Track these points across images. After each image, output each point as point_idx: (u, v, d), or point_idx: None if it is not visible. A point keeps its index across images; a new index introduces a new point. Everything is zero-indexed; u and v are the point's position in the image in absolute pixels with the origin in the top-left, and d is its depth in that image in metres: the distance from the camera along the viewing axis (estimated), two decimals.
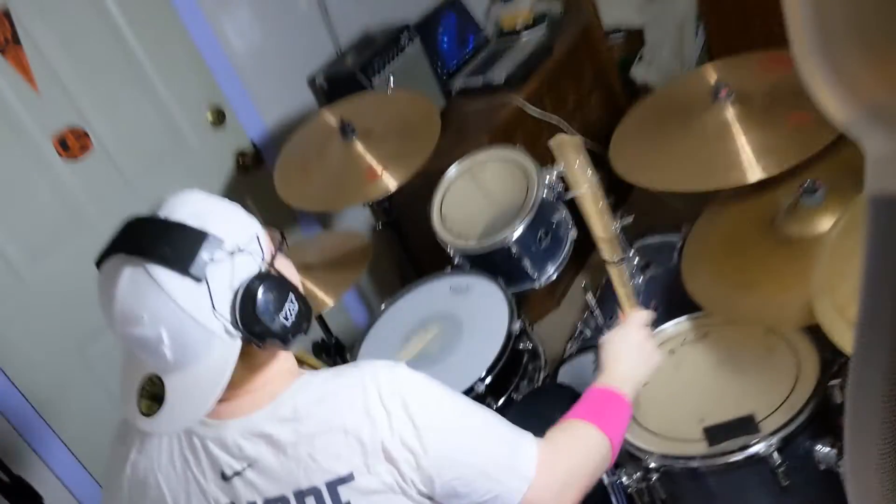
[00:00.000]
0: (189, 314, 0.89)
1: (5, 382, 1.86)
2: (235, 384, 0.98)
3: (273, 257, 0.98)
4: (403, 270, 2.67)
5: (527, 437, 1.07)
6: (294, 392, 1.00)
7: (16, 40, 1.90)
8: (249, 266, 0.93)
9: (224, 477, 0.99)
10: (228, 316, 0.91)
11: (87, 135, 2.04)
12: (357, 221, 2.70)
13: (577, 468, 1.09)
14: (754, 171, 1.48)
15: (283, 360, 1.04)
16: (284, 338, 0.94)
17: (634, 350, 1.27)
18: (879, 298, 0.46)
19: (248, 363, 0.97)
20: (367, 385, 0.99)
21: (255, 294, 0.91)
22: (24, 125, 1.92)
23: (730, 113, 1.58)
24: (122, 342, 0.95)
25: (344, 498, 0.96)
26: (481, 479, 1.01)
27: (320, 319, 2.12)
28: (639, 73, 3.32)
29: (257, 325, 0.91)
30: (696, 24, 3.27)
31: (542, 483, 1.03)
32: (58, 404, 1.97)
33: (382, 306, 2.01)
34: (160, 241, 0.91)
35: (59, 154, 1.99)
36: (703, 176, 1.57)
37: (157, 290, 0.89)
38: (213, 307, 0.90)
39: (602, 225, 1.36)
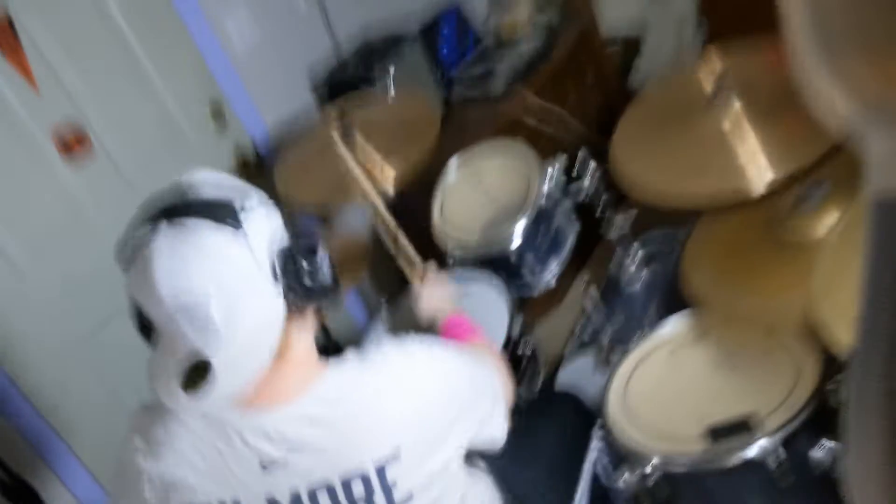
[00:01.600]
0: (232, 263, 0.89)
1: (6, 381, 1.86)
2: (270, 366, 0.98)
3: None
4: (404, 270, 2.66)
5: (487, 354, 1.33)
6: (331, 376, 1.01)
7: (16, 40, 1.90)
8: (278, 219, 0.96)
9: (263, 466, 0.97)
10: (268, 265, 0.91)
11: (87, 135, 2.04)
12: (357, 222, 2.69)
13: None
14: (761, 183, 1.47)
15: (312, 347, 1.05)
16: (324, 288, 0.96)
17: (439, 294, 1.56)
18: (880, 299, 0.46)
19: (283, 342, 0.96)
20: (399, 361, 1.03)
21: (291, 243, 0.94)
22: (24, 125, 1.93)
23: (731, 116, 1.57)
24: (164, 323, 0.90)
25: (391, 478, 0.97)
26: (488, 408, 1.15)
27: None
28: (638, 75, 3.32)
29: (297, 274, 0.92)
30: (695, 26, 3.27)
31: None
32: (59, 404, 1.97)
33: (382, 306, 2.01)
34: (193, 202, 0.92)
35: (60, 154, 1.99)
36: (710, 191, 1.54)
37: (197, 243, 0.88)
38: (254, 256, 0.90)
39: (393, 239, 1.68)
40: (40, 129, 1.96)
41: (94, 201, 2.06)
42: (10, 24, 1.89)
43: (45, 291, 1.97)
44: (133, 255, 0.93)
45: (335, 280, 0.98)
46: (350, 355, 1.05)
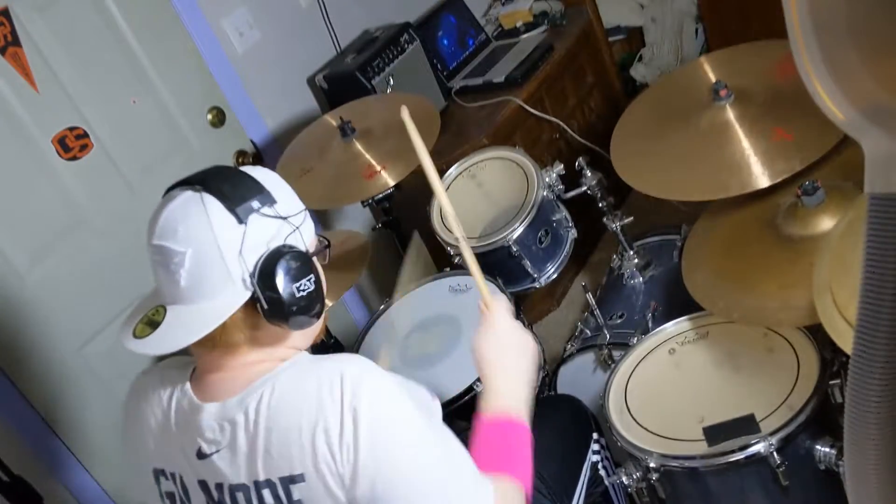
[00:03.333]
0: (218, 245, 0.96)
1: (5, 383, 1.86)
2: (231, 349, 1.02)
3: (313, 251, 1.06)
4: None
5: (487, 487, 0.98)
6: (266, 382, 1.01)
7: (16, 40, 1.90)
8: (289, 237, 1.01)
9: (198, 455, 1.03)
10: (251, 266, 0.97)
11: (87, 135, 2.04)
12: (357, 221, 2.70)
13: None
14: (760, 179, 1.48)
15: (277, 347, 1.06)
16: (288, 308, 0.98)
17: (514, 352, 1.16)
18: (880, 297, 0.46)
19: (234, 340, 1.01)
20: (332, 386, 0.96)
21: (282, 257, 0.98)
22: (24, 125, 1.92)
23: (730, 114, 1.58)
24: (151, 259, 1.01)
25: (296, 496, 0.98)
26: None
27: None
28: (639, 72, 3.32)
29: (271, 285, 0.97)
30: (695, 24, 3.27)
31: None
32: (58, 404, 1.97)
33: (382, 306, 2.01)
34: (223, 180, 1.01)
35: (59, 154, 1.99)
36: (707, 184, 1.56)
37: (201, 212, 0.97)
38: (241, 251, 0.96)
39: (447, 198, 1.32)
40: (40, 130, 1.95)
41: (93, 202, 2.06)
42: (10, 25, 1.89)
43: (44, 292, 1.97)
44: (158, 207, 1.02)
45: (311, 299, 1.00)
46: (301, 361, 1.04)
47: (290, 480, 0.97)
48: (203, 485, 1.04)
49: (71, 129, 2.01)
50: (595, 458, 1.60)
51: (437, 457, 0.98)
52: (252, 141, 2.42)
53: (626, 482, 1.43)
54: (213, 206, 0.97)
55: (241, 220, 0.97)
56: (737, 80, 1.62)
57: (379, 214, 2.35)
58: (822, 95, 0.43)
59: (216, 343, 1.01)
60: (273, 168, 2.14)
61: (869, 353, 0.48)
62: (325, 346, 2.16)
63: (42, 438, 1.93)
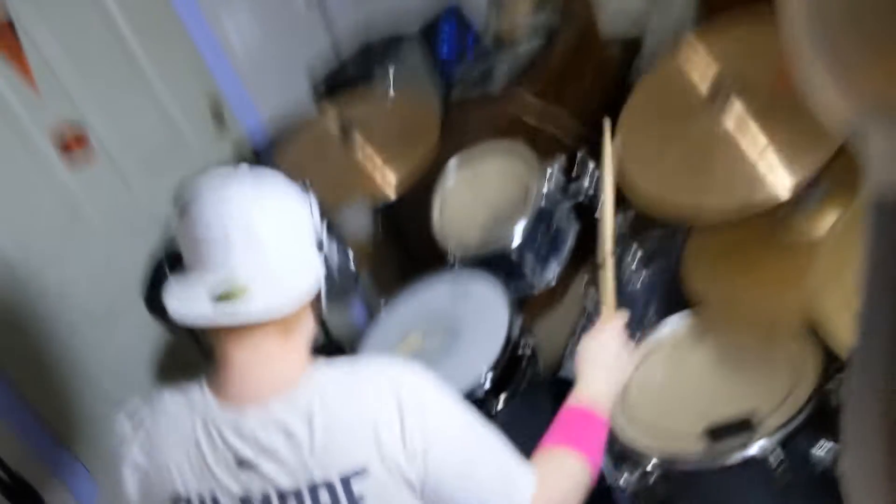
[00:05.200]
0: (296, 211, 1.02)
1: (6, 383, 1.87)
2: (260, 355, 1.01)
3: None
4: (403, 270, 2.67)
5: (526, 467, 1.07)
6: (311, 381, 1.01)
7: (16, 41, 1.90)
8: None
9: (239, 465, 0.99)
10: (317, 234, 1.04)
11: (86, 135, 2.04)
12: (357, 222, 2.70)
13: (564, 499, 1.09)
14: (767, 196, 1.39)
15: (308, 342, 1.07)
16: (348, 279, 1.07)
17: (612, 360, 1.26)
18: (879, 297, 0.47)
19: (278, 337, 1.02)
20: (385, 382, 1.01)
21: (329, 234, 1.04)
22: (23, 126, 1.93)
23: (732, 120, 1.56)
24: (211, 243, 0.98)
25: (357, 492, 0.97)
26: (473, 499, 1.02)
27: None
28: (637, 79, 3.32)
29: (327, 259, 1.02)
30: (694, 28, 3.26)
31: None
32: (58, 404, 1.97)
33: (382, 306, 2.01)
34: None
35: (59, 155, 1.99)
36: (714, 206, 1.47)
37: (275, 186, 1.02)
38: (312, 217, 1.03)
39: (611, 225, 1.40)
40: (40, 130, 1.96)
41: (93, 202, 2.06)
42: (11, 25, 1.89)
43: (43, 292, 1.97)
44: (201, 186, 1.01)
45: (357, 275, 1.07)
46: (340, 361, 1.06)
47: (351, 476, 0.96)
48: (245, 500, 0.99)
49: (71, 129, 2.01)
50: None
51: (487, 434, 1.06)
52: (251, 141, 2.43)
53: (625, 482, 1.43)
54: (280, 179, 1.03)
55: (305, 192, 1.04)
56: (734, 77, 1.58)
57: (379, 216, 2.36)
58: (822, 94, 0.43)
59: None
60: (272, 167, 2.16)
61: (869, 353, 0.48)
62: (325, 345, 2.16)
63: (42, 438, 1.93)
